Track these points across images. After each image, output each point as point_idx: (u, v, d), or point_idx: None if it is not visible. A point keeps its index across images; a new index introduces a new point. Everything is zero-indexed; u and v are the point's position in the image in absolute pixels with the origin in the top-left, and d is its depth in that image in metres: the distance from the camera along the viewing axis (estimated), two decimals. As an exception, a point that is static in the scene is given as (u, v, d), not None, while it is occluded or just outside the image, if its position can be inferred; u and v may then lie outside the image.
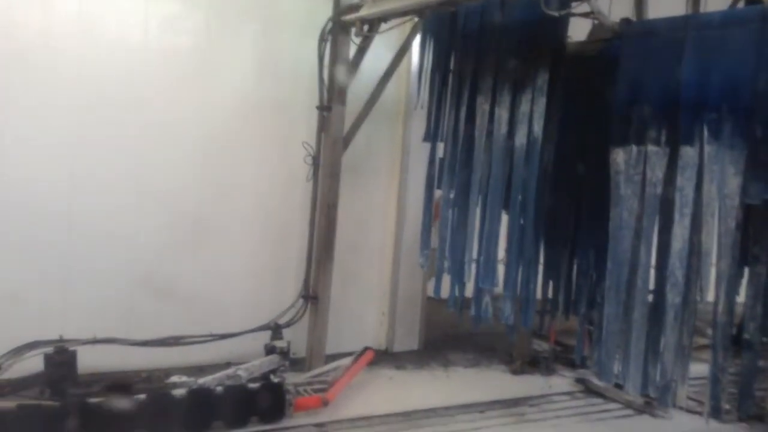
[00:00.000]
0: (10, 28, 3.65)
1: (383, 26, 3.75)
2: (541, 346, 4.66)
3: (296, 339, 4.16)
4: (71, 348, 3.36)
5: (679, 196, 2.56)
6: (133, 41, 3.99)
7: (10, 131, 3.68)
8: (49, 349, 3.31)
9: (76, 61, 3.81)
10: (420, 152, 4.41)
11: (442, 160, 3.80)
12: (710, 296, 2.60)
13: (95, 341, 3.56)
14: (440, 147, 3.84)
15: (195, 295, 4.23)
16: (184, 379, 3.33)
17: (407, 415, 3.63)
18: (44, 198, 3.77)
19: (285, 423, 3.39)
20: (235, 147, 4.32)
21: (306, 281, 4.31)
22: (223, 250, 4.34)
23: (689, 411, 3.65)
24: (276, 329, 4.06)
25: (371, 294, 4.91)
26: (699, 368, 2.89)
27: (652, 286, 2.72)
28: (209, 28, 4.22)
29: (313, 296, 4.24)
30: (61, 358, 3.28)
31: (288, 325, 4.19)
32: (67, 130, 3.81)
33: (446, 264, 3.61)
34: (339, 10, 3.91)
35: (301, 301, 4.28)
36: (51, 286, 3.82)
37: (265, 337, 4.03)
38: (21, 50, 3.67)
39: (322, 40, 4.07)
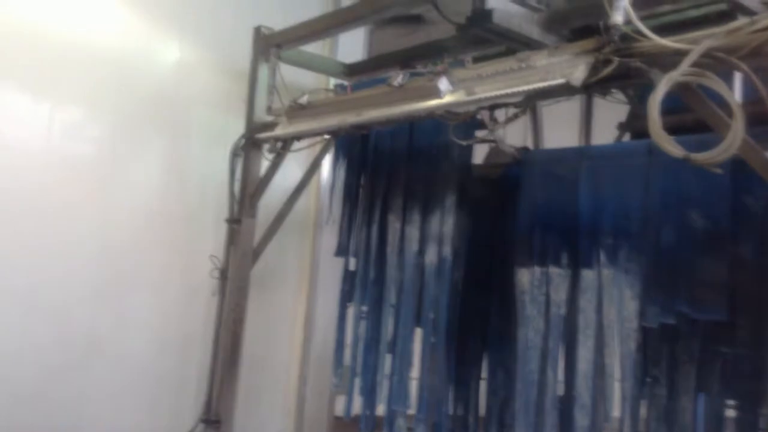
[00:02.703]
0: None
1: (296, 144, 3.82)
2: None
3: (195, 466, 3.90)
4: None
5: (582, 318, 2.66)
6: (33, 149, 3.85)
7: None
8: None
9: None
10: (329, 266, 4.41)
11: (353, 273, 3.80)
12: (616, 414, 2.66)
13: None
14: (352, 261, 3.87)
15: (82, 421, 3.91)
16: None
17: None
18: None
19: None
20: (137, 260, 4.15)
21: (208, 403, 4.08)
22: (118, 370, 4.05)
23: None
24: (173, 458, 3.79)
25: (276, 413, 4.69)
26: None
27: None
28: (115, 136, 4.13)
29: (215, 420, 4.00)
30: None
31: (186, 454, 3.93)
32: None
33: (358, 383, 3.53)
34: (252, 127, 3.96)
35: (201, 426, 4.03)
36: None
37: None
38: None
39: (234, 154, 4.08)
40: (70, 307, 3.89)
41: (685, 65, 2.01)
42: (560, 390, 2.77)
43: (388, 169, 3.57)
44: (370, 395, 3.46)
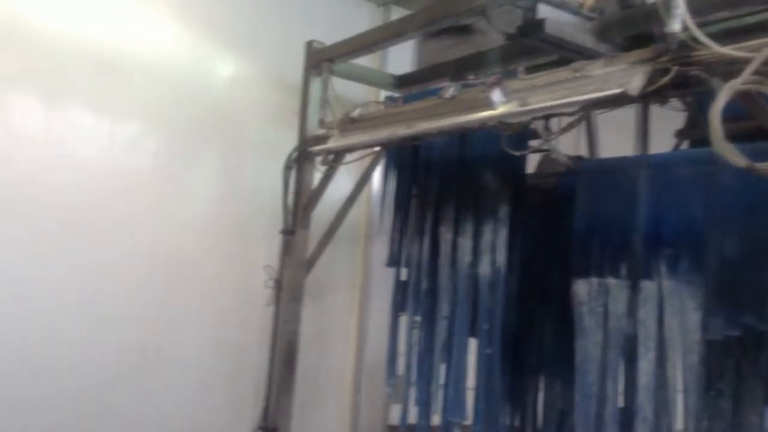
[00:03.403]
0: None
1: (348, 156, 3.86)
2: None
3: (253, 474, 3.97)
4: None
5: (642, 330, 2.61)
6: (96, 163, 4.00)
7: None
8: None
9: (35, 183, 3.78)
10: (381, 276, 4.43)
11: (405, 283, 3.81)
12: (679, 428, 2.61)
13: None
14: (403, 271, 3.88)
15: (144, 428, 4.02)
16: None
17: None
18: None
19: None
20: (194, 270, 4.27)
21: (265, 411, 4.15)
22: (176, 379, 4.18)
23: None
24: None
25: (331, 422, 4.74)
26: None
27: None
28: (172, 150, 4.27)
29: (272, 428, 4.06)
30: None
31: (245, 461, 4.00)
32: (19, 254, 3.72)
33: (413, 392, 3.53)
34: (305, 140, 4.02)
35: (259, 433, 4.11)
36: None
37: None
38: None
39: (287, 167, 4.14)
40: (129, 316, 4.02)
41: (747, 73, 1.97)
42: (620, 402, 2.73)
43: (439, 179, 3.58)
44: (425, 405, 3.46)
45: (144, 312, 4.08)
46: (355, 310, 4.84)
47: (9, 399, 3.64)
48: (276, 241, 4.28)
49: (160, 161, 4.22)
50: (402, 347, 3.76)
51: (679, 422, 2.57)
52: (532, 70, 2.98)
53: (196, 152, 4.35)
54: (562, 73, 2.59)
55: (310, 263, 4.28)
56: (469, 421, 3.24)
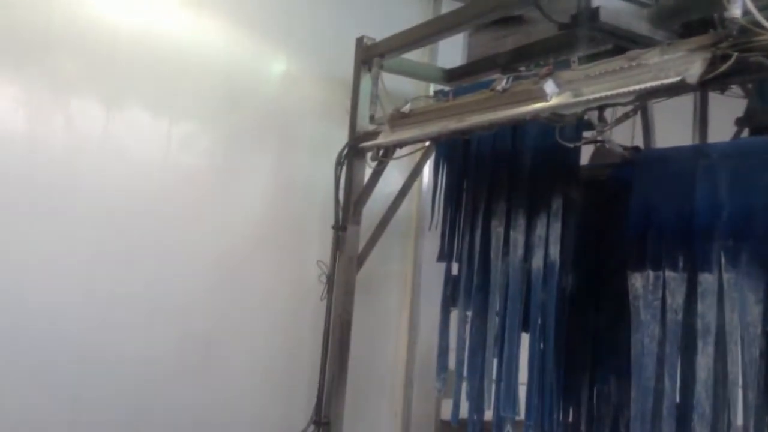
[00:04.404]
0: (34, 147, 3.79)
1: (398, 152, 3.87)
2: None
3: (307, 466, 4.03)
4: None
5: (700, 324, 2.54)
6: (154, 161, 4.13)
7: (33, 255, 3.73)
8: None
9: (98, 181, 3.93)
10: (432, 271, 4.43)
11: (456, 278, 3.80)
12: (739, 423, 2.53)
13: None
14: (454, 266, 3.87)
15: (203, 421, 4.13)
16: None
17: None
18: (57, 319, 3.77)
19: None
20: (248, 266, 4.37)
21: (318, 405, 4.20)
22: (233, 372, 4.28)
23: None
24: (286, 457, 3.94)
25: (383, 416, 4.78)
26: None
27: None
28: (226, 147, 4.37)
29: (325, 422, 4.11)
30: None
31: (299, 454, 4.07)
32: (84, 252, 3.87)
33: (464, 387, 3.53)
34: (355, 137, 4.05)
35: (312, 427, 4.15)
36: (60, 408, 3.75)
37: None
38: (44, 170, 3.80)
39: (338, 163, 4.19)
40: (187, 311, 4.14)
41: (812, 57, 1.91)
42: (677, 398, 2.67)
43: (490, 173, 3.55)
44: (477, 400, 3.45)
45: (204, 306, 4.20)
46: (406, 306, 4.86)
47: (74, 390, 3.78)
48: (328, 237, 4.33)
49: (216, 159, 4.33)
50: (453, 342, 3.76)
51: (738, 418, 2.50)
52: (585, 60, 2.94)
53: (250, 150, 4.44)
54: (618, 62, 2.54)
55: (361, 259, 4.31)
56: (521, 416, 3.21)
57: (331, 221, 4.27)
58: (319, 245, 4.40)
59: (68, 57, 3.89)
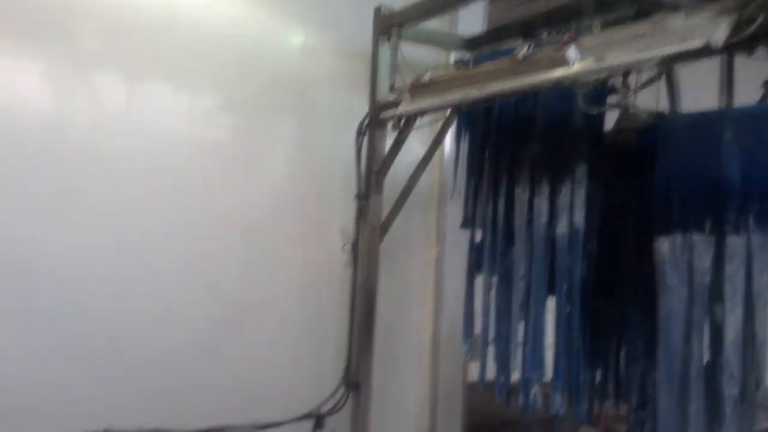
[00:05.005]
0: (61, 125, 3.86)
1: (419, 121, 3.88)
2: (590, 433, 4.56)
3: (338, 427, 4.14)
4: (118, 438, 3.38)
5: (729, 286, 2.57)
6: (178, 135, 4.19)
7: (65, 231, 3.82)
8: (98, 440, 3.33)
9: (123, 156, 4.00)
10: (455, 238, 4.48)
11: (480, 245, 3.84)
12: None
13: (141, 432, 3.58)
14: (477, 233, 3.90)
15: (237, 385, 4.26)
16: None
17: None
18: (88, 293, 3.88)
19: None
20: (274, 236, 4.45)
21: (347, 368, 4.31)
22: (264, 337, 4.40)
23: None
24: (319, 418, 4.06)
25: (411, 379, 4.89)
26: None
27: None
28: (249, 121, 4.42)
29: (354, 384, 4.22)
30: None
31: (330, 413, 4.18)
32: (111, 228, 3.96)
33: (491, 351, 3.59)
34: (376, 107, 4.06)
35: (342, 388, 4.27)
36: (99, 377, 3.88)
37: (308, 426, 4.03)
38: (71, 146, 3.87)
39: (359, 134, 4.21)
40: (219, 281, 4.25)
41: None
42: (705, 359, 2.71)
43: (513, 140, 3.56)
44: (503, 363, 3.52)
45: (233, 275, 4.31)
46: (431, 272, 4.93)
47: (112, 359, 3.91)
48: (351, 207, 4.38)
49: (238, 132, 4.38)
50: (478, 307, 3.82)
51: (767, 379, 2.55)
52: (607, 25, 2.92)
53: (271, 122, 4.48)
54: (641, 26, 2.53)
55: (385, 227, 4.36)
56: (548, 378, 3.28)
57: (354, 191, 4.31)
58: (342, 215, 4.45)
59: (91, 32, 3.93)
